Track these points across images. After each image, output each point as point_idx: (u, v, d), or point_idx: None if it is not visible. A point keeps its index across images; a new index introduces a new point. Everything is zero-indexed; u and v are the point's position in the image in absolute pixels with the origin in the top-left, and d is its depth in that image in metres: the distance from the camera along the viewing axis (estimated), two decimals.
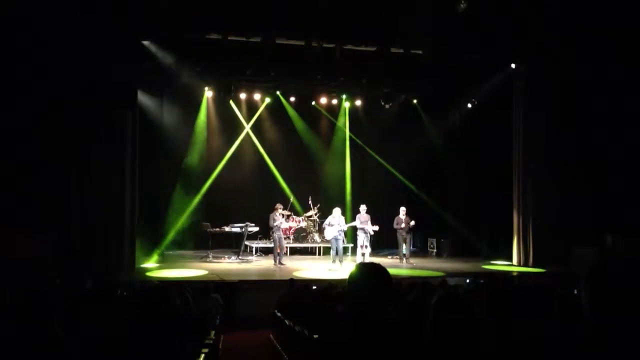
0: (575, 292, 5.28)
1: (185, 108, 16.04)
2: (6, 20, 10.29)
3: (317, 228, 16.20)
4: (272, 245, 14.08)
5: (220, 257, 14.25)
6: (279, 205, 13.99)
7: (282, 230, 14.24)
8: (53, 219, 11.15)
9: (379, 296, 2.32)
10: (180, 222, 15.40)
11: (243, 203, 15.68)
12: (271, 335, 8.73)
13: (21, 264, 9.43)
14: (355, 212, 14.17)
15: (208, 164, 16.40)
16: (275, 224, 13.56)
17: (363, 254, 13.33)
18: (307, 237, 16.34)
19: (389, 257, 15.31)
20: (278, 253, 13.61)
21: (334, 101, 17.03)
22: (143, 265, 12.95)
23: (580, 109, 12.98)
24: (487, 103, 15.77)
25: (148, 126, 14.22)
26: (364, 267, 2.50)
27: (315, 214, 16.26)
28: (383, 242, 15.33)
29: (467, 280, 9.28)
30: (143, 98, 14.15)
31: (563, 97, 13.32)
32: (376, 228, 13.31)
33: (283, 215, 14.60)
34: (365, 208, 13.51)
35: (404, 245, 14.31)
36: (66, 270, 10.05)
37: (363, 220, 13.35)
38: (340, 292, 6.53)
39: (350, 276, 2.40)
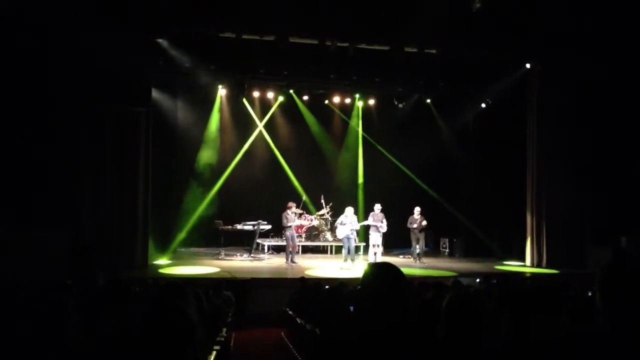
0: (590, 293, 5.24)
1: (199, 106, 16.06)
2: (14, 19, 10.37)
3: (329, 227, 16.20)
4: (284, 243, 14.11)
5: (232, 255, 14.29)
6: (291, 204, 14.01)
7: (294, 229, 14.26)
8: (66, 217, 11.23)
9: (391, 296, 2.31)
10: (193, 219, 15.45)
11: (255, 201, 15.72)
12: (282, 333, 8.76)
13: (35, 261, 9.50)
14: (368, 211, 14.14)
15: (221, 162, 16.41)
16: (287, 223, 13.59)
17: (375, 253, 13.31)
18: (319, 235, 16.36)
19: (401, 256, 15.28)
20: (290, 251, 13.62)
21: (347, 100, 17.00)
22: (155, 262, 13.04)
23: (595, 109, 12.86)
24: (501, 103, 15.63)
25: (162, 124, 14.25)
26: (377, 267, 2.48)
27: (328, 213, 16.27)
28: (395, 241, 15.31)
29: (477, 280, 9.21)
30: (157, 96, 14.21)
31: (578, 96, 13.20)
32: (385, 229, 13.31)
33: (295, 213, 14.61)
34: (380, 207, 13.46)
35: (417, 245, 14.28)
36: (78, 268, 10.14)
37: (377, 219, 13.32)
38: (352, 291, 6.53)
39: (363, 276, 2.39)
